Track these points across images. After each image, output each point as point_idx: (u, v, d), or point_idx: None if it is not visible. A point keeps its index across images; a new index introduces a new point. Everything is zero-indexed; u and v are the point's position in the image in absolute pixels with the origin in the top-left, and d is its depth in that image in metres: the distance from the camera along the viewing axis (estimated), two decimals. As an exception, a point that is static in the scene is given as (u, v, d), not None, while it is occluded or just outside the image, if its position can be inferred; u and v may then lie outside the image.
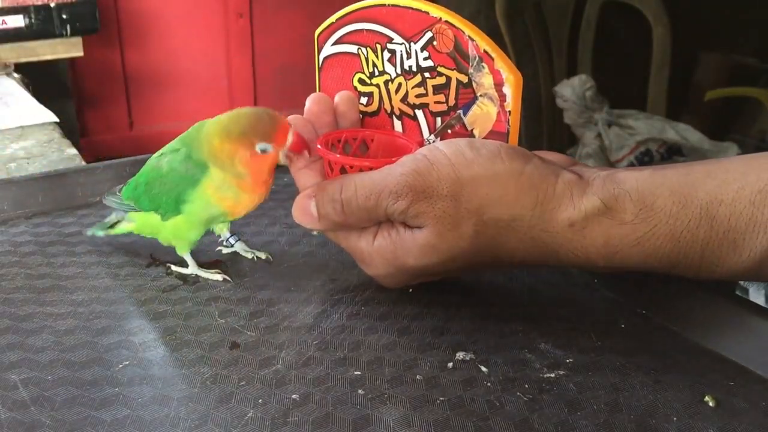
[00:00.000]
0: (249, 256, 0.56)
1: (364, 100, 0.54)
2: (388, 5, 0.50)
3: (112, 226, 0.57)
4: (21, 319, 0.49)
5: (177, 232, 0.53)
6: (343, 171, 0.49)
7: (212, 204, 0.51)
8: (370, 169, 0.47)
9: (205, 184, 0.50)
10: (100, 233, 0.58)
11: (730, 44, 2.08)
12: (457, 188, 0.44)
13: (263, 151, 0.49)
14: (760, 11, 1.94)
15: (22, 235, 0.60)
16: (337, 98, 0.53)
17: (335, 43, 0.54)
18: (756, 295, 1.17)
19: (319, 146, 0.50)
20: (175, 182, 0.51)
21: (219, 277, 0.53)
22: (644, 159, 1.86)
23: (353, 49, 0.53)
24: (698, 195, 0.42)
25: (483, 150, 0.45)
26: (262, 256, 0.56)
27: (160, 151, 0.53)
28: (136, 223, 0.55)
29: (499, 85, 0.46)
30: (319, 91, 0.56)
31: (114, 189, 0.56)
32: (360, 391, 0.42)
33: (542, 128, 1.98)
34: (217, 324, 0.48)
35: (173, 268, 0.55)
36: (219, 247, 0.57)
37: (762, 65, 2.03)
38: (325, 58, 0.55)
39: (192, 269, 0.54)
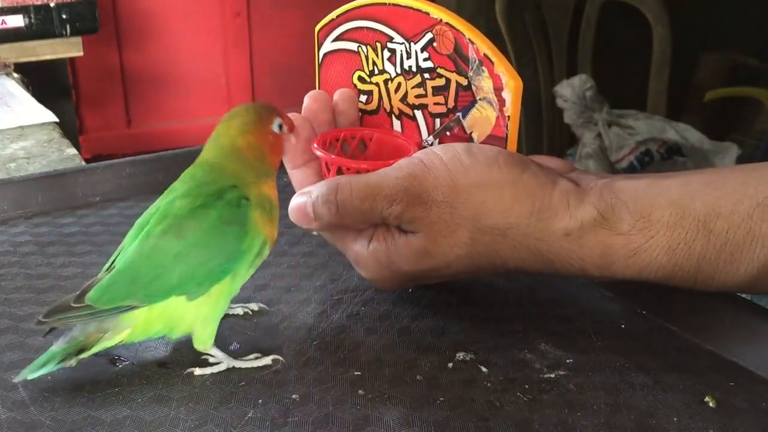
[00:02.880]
0: (240, 312, 0.49)
1: (363, 98, 0.54)
2: (389, 4, 0.50)
3: (66, 353, 0.41)
4: (21, 319, 0.48)
5: (213, 309, 0.43)
6: (339, 171, 0.49)
7: (261, 238, 0.44)
8: (367, 170, 0.47)
9: (253, 216, 0.43)
10: (47, 369, 0.41)
11: (730, 44, 2.08)
12: (452, 194, 0.44)
13: (280, 127, 0.46)
14: (760, 11, 1.94)
15: (22, 235, 0.60)
16: (336, 95, 0.53)
17: (335, 40, 0.54)
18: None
19: (315, 146, 0.49)
20: (221, 239, 0.42)
21: (267, 360, 0.44)
22: (644, 159, 1.86)
23: (353, 46, 0.53)
24: (696, 207, 0.42)
25: (480, 156, 0.45)
26: (255, 308, 0.49)
27: (146, 231, 0.42)
28: (135, 325, 0.42)
29: (498, 89, 0.46)
30: (319, 87, 0.56)
31: (65, 303, 0.41)
32: (360, 391, 0.42)
33: (542, 128, 1.98)
34: (217, 324, 0.48)
35: (197, 371, 0.43)
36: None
37: (762, 65, 2.03)
38: (325, 55, 0.55)
39: (226, 363, 0.43)
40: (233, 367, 0.43)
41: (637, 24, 1.92)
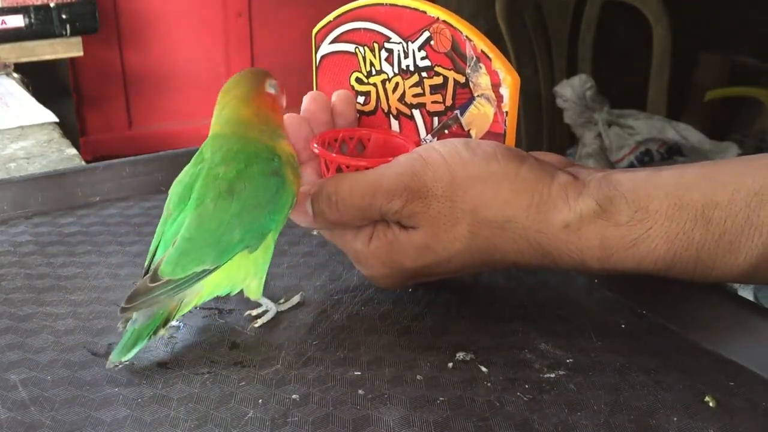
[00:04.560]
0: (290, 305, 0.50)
1: (361, 99, 0.54)
2: (386, 4, 0.50)
3: (153, 327, 0.43)
4: (21, 319, 0.49)
5: (264, 259, 0.47)
6: (339, 170, 0.49)
7: (293, 190, 0.46)
8: (366, 168, 0.47)
9: (286, 170, 0.46)
10: (140, 347, 0.43)
11: (730, 44, 2.08)
12: (451, 188, 0.44)
13: (273, 88, 0.49)
14: (760, 11, 1.94)
15: (22, 235, 0.60)
16: (334, 97, 0.53)
17: (333, 42, 0.54)
18: (744, 291, 1.17)
19: (315, 145, 0.49)
20: (266, 194, 0.45)
21: (297, 298, 0.50)
22: (644, 159, 1.86)
23: (351, 47, 0.53)
24: (694, 197, 0.42)
25: (478, 150, 0.45)
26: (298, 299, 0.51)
27: (196, 199, 0.45)
28: (206, 288, 0.45)
29: (496, 85, 0.46)
30: (316, 89, 0.56)
31: (141, 289, 0.43)
32: (360, 391, 0.42)
33: (542, 128, 1.98)
34: (217, 324, 0.48)
35: (258, 323, 0.48)
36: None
37: (762, 65, 2.03)
38: (322, 57, 0.55)
39: (273, 308, 0.49)
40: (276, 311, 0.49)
41: (637, 24, 1.92)
